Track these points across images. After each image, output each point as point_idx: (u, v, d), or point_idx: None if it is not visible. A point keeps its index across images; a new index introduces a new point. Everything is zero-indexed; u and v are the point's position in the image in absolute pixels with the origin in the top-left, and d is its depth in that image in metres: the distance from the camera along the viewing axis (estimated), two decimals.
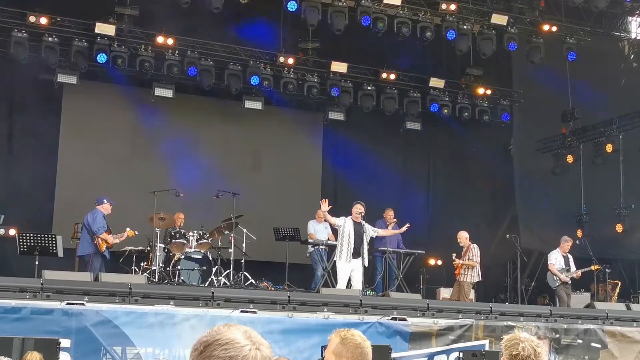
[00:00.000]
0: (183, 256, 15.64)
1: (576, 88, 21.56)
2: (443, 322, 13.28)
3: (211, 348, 2.36)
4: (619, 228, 20.66)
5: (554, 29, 20.39)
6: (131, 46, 18.56)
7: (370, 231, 15.02)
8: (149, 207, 16.26)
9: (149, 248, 16.20)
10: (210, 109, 20.81)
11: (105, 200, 15.45)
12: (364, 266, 14.81)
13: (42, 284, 11.52)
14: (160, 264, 15.75)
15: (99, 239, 14.93)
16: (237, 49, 19.59)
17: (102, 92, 19.73)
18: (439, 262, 20.18)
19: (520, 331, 4.59)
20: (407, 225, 16.60)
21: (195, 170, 19.84)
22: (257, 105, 20.19)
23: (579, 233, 20.90)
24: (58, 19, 17.94)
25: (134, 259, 16.05)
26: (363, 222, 14.88)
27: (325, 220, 16.06)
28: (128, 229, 15.50)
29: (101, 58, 17.97)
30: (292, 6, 17.59)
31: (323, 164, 22.15)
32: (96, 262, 14.92)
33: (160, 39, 18.58)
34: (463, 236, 16.74)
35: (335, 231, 15.96)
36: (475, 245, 16.56)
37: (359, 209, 14.79)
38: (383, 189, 21.74)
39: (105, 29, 17.87)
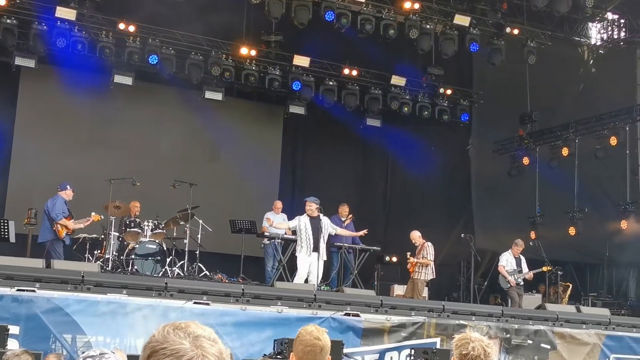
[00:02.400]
0: (137, 245, 15.53)
1: (535, 91, 21.78)
2: (396, 319, 13.33)
3: (156, 356, 2.31)
4: (572, 231, 20.91)
5: (516, 31, 20.56)
6: (92, 32, 18.36)
7: (329, 227, 15.04)
8: (105, 195, 16.10)
9: (103, 236, 16.05)
10: (170, 98, 20.65)
11: (68, 186, 15.31)
12: (322, 260, 14.85)
13: None
14: (114, 253, 15.62)
15: (58, 225, 14.77)
16: (199, 38, 19.47)
17: (60, 77, 19.44)
18: (394, 259, 20.25)
19: (471, 331, 4.61)
20: (365, 231, 16.72)
21: (153, 159, 19.72)
22: (218, 96, 20.10)
23: (533, 235, 21.11)
24: (18, 1, 17.67)
25: (88, 247, 15.92)
26: (321, 217, 14.90)
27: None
28: (93, 213, 15.39)
29: (61, 42, 17.74)
30: None
31: (282, 158, 22.12)
32: (58, 249, 14.77)
33: (121, 26, 18.43)
34: (416, 235, 16.90)
35: None
36: (429, 244, 16.68)
37: (311, 205, 14.82)
38: (341, 184, 21.81)
39: (66, 13, 17.64)
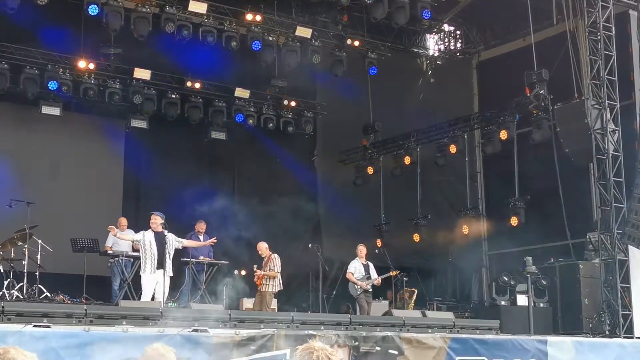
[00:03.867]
0: None
1: (377, 102, 22.21)
2: (245, 333, 13.18)
3: None
4: (416, 237, 21.43)
5: (357, 43, 20.93)
6: None
7: (174, 241, 14.71)
8: None
9: None
10: (4, 114, 19.80)
11: None
12: (169, 277, 14.52)
13: None
14: None
15: None
16: (35, 52, 18.79)
17: None
18: (243, 272, 20.12)
19: (315, 340, 4.56)
20: (214, 239, 16.48)
21: None
22: (55, 111, 19.44)
23: (379, 242, 21.50)
24: None
25: None
26: (165, 232, 14.56)
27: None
28: None
29: None
30: (93, 10, 17.05)
31: (125, 173, 21.58)
32: None
33: None
34: (263, 247, 16.86)
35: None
36: (276, 255, 16.67)
37: (156, 219, 14.45)
38: (189, 198, 21.43)
39: None
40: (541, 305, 18.05)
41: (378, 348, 14.07)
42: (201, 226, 17.99)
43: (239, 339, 13.05)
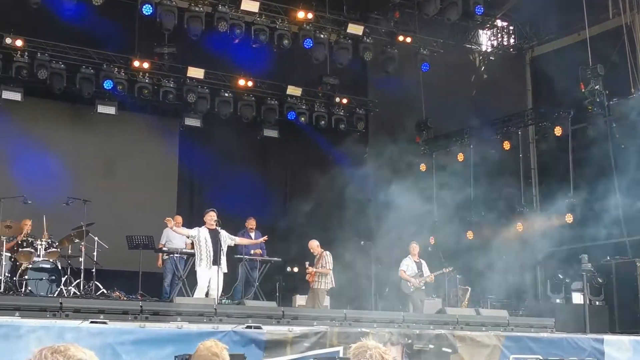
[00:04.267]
0: (31, 265, 15.04)
1: (429, 98, 22.09)
2: (298, 330, 13.23)
3: None
4: (470, 235, 21.28)
5: (409, 40, 20.84)
6: None
7: (227, 239, 14.83)
8: None
9: None
10: (61, 114, 20.16)
11: None
12: (222, 273, 14.64)
13: None
14: (6, 274, 15.08)
15: None
16: (90, 52, 19.08)
17: None
18: (295, 270, 20.22)
19: (368, 338, 4.56)
20: (265, 237, 16.57)
21: (45, 176, 19.16)
22: (111, 110, 19.72)
23: (432, 240, 21.38)
24: None
25: None
26: (219, 229, 14.68)
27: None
28: None
29: None
30: (147, 10, 17.25)
31: (179, 171, 21.80)
32: None
33: (8, 40, 17.90)
34: (314, 245, 16.91)
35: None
36: (327, 252, 16.71)
37: (211, 216, 14.58)
38: (241, 196, 21.59)
39: None
40: (597, 303, 17.79)
41: (431, 346, 14.02)
42: (251, 223, 18.07)
43: (292, 336, 13.11)
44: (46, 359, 2.18)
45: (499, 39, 24.51)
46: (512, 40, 24.29)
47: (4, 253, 15.19)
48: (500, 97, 22.77)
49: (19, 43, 18.02)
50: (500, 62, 24.24)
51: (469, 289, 20.45)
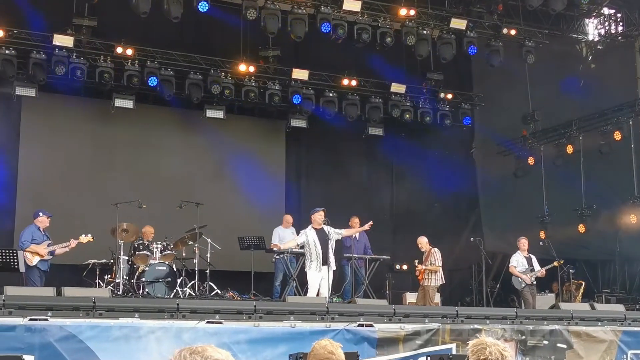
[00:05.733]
0: (147, 268, 15.50)
1: (536, 90, 21.75)
2: (410, 327, 13.25)
3: None
4: (581, 228, 20.85)
5: (513, 32, 20.56)
6: (90, 57, 18.41)
7: (334, 234, 14.92)
8: (111, 219, 16.10)
9: (112, 261, 16.03)
10: (171, 119, 20.67)
11: (40, 214, 15.09)
12: (332, 271, 14.76)
13: (4, 300, 11.32)
14: (125, 277, 15.60)
15: (26, 253, 14.56)
16: (197, 57, 19.50)
17: (62, 104, 19.51)
18: (404, 267, 20.22)
19: (485, 335, 4.57)
20: (370, 223, 16.52)
21: (157, 180, 19.74)
22: (219, 114, 20.13)
23: (542, 234, 21.05)
24: (15, 31, 17.74)
25: (98, 272, 15.90)
26: (324, 227, 14.79)
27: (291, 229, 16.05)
28: (83, 235, 15.03)
29: (60, 70, 17.78)
30: (251, 15, 17.51)
31: (287, 172, 22.09)
32: (32, 276, 14.43)
33: (119, 50, 18.47)
34: (423, 241, 16.85)
35: None
36: (436, 249, 16.64)
37: (321, 215, 14.71)
38: (347, 195, 21.76)
39: (64, 40, 17.69)
40: None
41: (546, 342, 13.84)
42: (355, 221, 18.10)
43: (405, 333, 13.14)
44: (185, 359, 2.29)
45: (606, 27, 23.91)
46: (620, 28, 23.66)
47: (122, 257, 15.71)
48: (610, 86, 22.21)
49: (129, 52, 18.55)
50: (608, 50, 23.65)
51: (583, 283, 20.07)
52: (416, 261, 16.80)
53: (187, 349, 2.31)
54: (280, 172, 21.91)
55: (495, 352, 4.33)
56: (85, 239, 15.07)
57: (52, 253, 14.96)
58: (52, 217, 15.21)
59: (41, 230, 14.95)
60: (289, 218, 18.20)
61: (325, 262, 14.41)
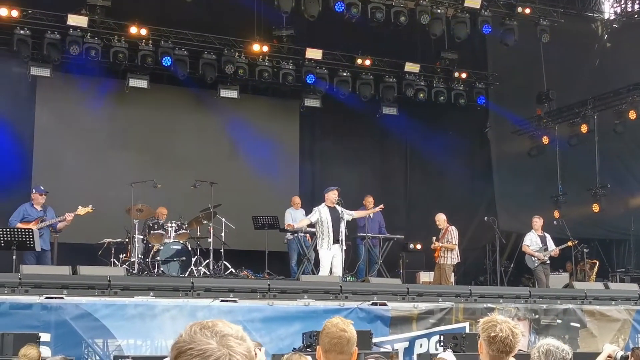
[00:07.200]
0: (162, 247, 15.59)
1: (551, 69, 21.65)
2: (423, 306, 13.33)
3: (184, 357, 2.30)
4: (596, 208, 20.82)
5: (528, 11, 20.44)
6: (104, 37, 18.42)
7: (346, 215, 14.98)
8: (126, 198, 16.21)
9: (127, 240, 16.14)
10: (185, 99, 20.70)
11: (34, 190, 15.06)
12: (343, 249, 14.82)
13: (20, 279, 11.46)
14: (139, 256, 15.69)
15: None
16: (211, 37, 19.50)
17: (76, 84, 19.56)
18: (418, 246, 20.25)
19: (496, 313, 4.61)
20: (381, 206, 16.60)
21: (172, 160, 19.81)
22: (233, 94, 20.16)
23: (556, 214, 21.03)
24: (29, 12, 17.78)
25: (113, 251, 15.99)
26: (337, 207, 14.86)
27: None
28: (67, 213, 14.77)
29: (74, 50, 17.83)
30: None
31: (300, 151, 22.10)
32: (26, 254, 14.15)
33: (133, 30, 18.47)
34: (441, 218, 16.80)
35: None
36: (453, 227, 16.63)
37: (335, 194, 14.78)
38: (361, 174, 21.80)
39: (78, 20, 17.72)
40: None
41: (559, 321, 13.89)
42: (369, 200, 18.16)
43: (418, 312, 13.22)
44: (195, 334, 2.32)
45: (622, 6, 23.73)
46: (636, 7, 23.48)
47: (137, 236, 15.80)
48: (625, 65, 22.08)
49: (143, 32, 18.57)
50: (624, 29, 23.48)
51: (597, 262, 20.07)
52: (434, 238, 16.79)
53: (198, 324, 2.34)
54: (294, 151, 21.94)
55: (506, 329, 4.37)
56: (83, 210, 14.86)
57: (55, 229, 14.95)
58: (47, 193, 14.94)
59: (35, 207, 14.87)
60: (296, 199, 18.35)
61: (336, 240, 14.46)
